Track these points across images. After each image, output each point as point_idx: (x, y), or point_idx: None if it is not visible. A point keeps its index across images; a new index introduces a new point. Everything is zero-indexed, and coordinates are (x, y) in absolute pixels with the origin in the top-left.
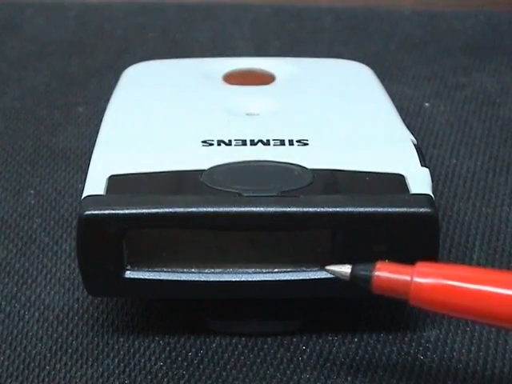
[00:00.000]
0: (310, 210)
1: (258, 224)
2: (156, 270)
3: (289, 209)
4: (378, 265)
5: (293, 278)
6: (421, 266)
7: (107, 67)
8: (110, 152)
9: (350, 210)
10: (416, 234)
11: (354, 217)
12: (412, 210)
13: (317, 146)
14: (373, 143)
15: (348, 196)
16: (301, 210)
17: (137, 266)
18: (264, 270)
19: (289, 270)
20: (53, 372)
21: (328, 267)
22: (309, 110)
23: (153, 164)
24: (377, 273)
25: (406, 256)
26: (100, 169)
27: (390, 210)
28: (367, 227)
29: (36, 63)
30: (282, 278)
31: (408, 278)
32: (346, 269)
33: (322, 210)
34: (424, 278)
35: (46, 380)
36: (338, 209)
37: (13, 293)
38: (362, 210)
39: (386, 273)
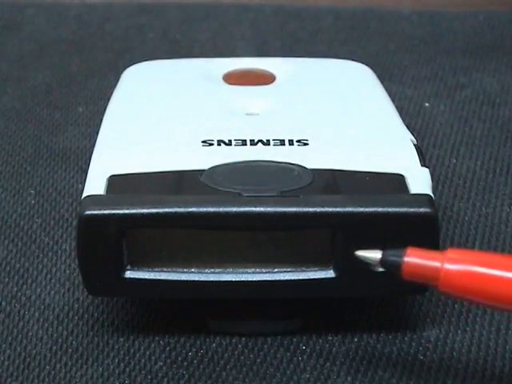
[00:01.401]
0: (310, 210)
1: (258, 224)
2: (156, 269)
3: (289, 209)
4: (409, 250)
5: (293, 278)
6: (451, 253)
7: (107, 67)
8: (110, 152)
9: (350, 209)
10: (416, 233)
11: (353, 217)
12: (412, 209)
13: (317, 146)
14: (373, 143)
15: (348, 196)
16: (301, 210)
17: (137, 266)
18: (264, 270)
19: (289, 270)
20: (53, 372)
21: (358, 252)
22: (309, 110)
23: (153, 164)
24: (407, 258)
25: None
26: (100, 169)
27: (389, 209)
28: (367, 227)
29: (36, 63)
30: (282, 278)
31: (438, 264)
32: (376, 254)
33: (322, 209)
34: (455, 265)
35: (46, 380)
36: (338, 209)
37: (13, 293)
38: (361, 209)
39: (416, 258)
